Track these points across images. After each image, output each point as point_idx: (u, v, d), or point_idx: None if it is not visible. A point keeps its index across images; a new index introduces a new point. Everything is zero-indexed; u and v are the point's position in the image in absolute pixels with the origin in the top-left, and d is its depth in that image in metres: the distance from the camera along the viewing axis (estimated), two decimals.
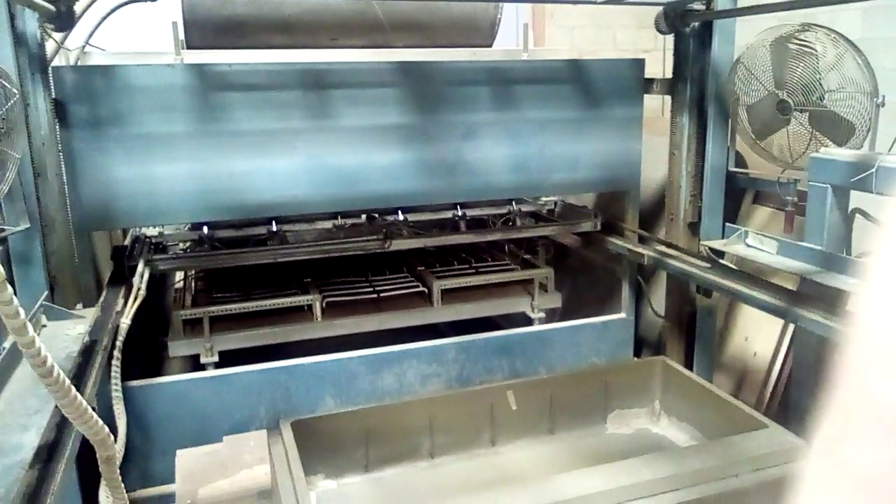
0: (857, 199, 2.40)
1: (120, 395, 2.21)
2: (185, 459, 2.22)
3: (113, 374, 2.20)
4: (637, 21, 5.45)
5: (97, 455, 1.22)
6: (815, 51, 2.49)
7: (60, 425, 1.45)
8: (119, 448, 1.92)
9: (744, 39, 2.79)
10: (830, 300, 2.32)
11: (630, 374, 2.23)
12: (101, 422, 1.14)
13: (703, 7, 2.73)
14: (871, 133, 2.42)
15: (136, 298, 2.40)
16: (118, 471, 1.28)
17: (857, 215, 2.42)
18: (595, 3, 2.47)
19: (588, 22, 5.48)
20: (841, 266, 2.29)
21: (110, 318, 2.31)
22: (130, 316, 2.33)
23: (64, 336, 1.97)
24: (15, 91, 1.91)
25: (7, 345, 1.67)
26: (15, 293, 2.01)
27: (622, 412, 2.18)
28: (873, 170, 2.13)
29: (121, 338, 2.25)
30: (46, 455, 1.34)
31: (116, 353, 2.24)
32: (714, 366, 3.16)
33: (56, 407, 1.50)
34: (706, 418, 2.04)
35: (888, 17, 4.38)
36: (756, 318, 3.26)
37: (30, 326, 1.09)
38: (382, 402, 2.36)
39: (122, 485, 1.36)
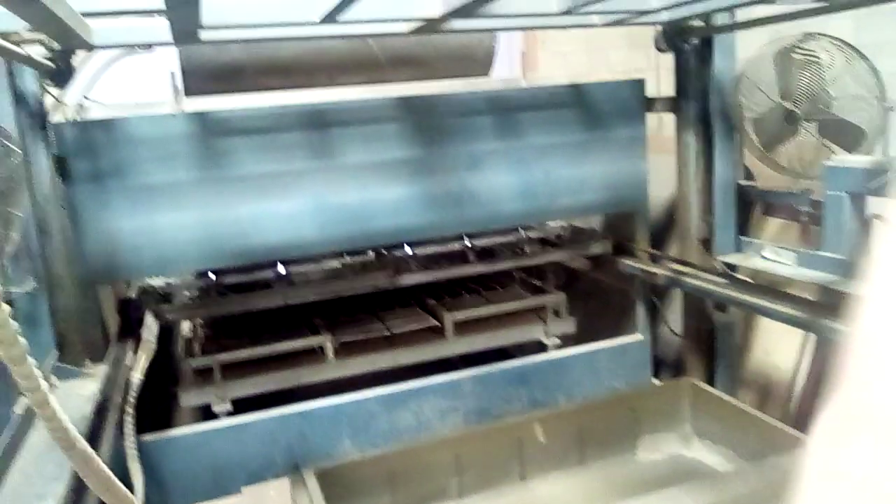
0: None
1: (135, 452, 2.15)
2: None
3: (127, 431, 2.15)
4: (629, 42, 5.46)
5: None
6: (820, 59, 2.47)
7: (78, 492, 1.40)
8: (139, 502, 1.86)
9: (744, 53, 2.78)
10: (853, 309, 2.26)
11: (658, 398, 2.17)
12: (123, 488, 1.09)
13: (702, 24, 2.72)
14: (882, 137, 2.40)
15: (147, 353, 2.35)
16: None
17: (876, 221, 2.38)
18: (594, 26, 2.45)
19: (580, 46, 5.49)
20: (862, 274, 2.24)
21: (120, 373, 2.26)
22: (142, 371, 2.28)
23: (76, 396, 1.92)
24: (17, 150, 1.88)
25: (18, 410, 1.62)
26: None
27: (653, 437, 2.12)
28: (890, 174, 2.10)
29: (133, 393, 2.20)
30: None
31: (130, 410, 2.19)
32: (737, 382, 3.10)
33: (73, 473, 1.45)
34: (740, 439, 1.98)
35: (880, 23, 4.38)
36: (775, 332, 3.21)
37: (46, 386, 1.04)
38: (406, 444, 2.29)
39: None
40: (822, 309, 2.33)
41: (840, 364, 0.37)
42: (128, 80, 3.48)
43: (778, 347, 3.19)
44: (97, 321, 2.53)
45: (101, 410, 1.94)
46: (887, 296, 0.38)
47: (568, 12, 2.04)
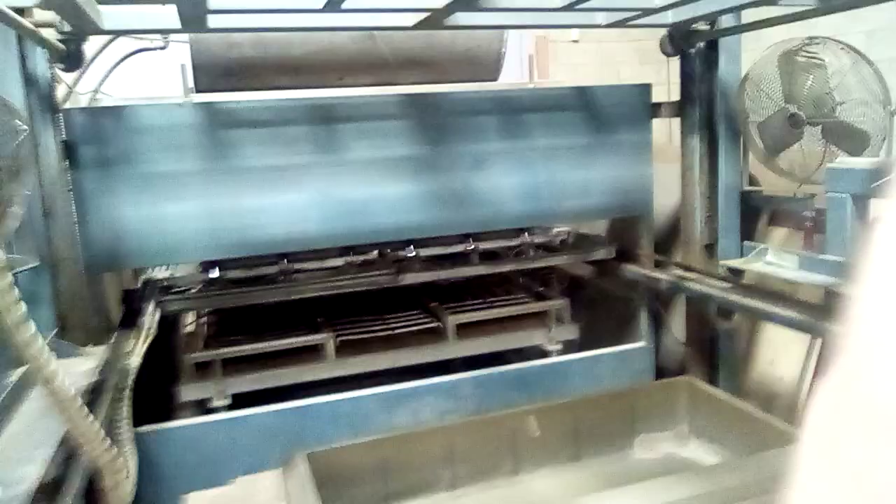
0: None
1: (131, 435, 2.15)
2: (197, 501, 2.15)
3: (122, 413, 2.14)
4: (640, 57, 5.49)
5: (105, 484, 1.16)
6: (824, 62, 2.47)
7: (65, 458, 1.40)
8: (130, 488, 1.85)
9: (750, 57, 2.79)
10: (847, 304, 2.24)
11: (655, 396, 2.15)
12: (108, 441, 1.09)
13: (708, 27, 2.73)
14: (886, 141, 2.39)
15: (146, 337, 2.36)
16: (126, 498, 1.22)
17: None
18: (599, 26, 2.47)
19: (592, 59, 5.53)
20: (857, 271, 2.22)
21: (119, 357, 2.27)
22: (141, 355, 2.29)
23: (72, 373, 1.92)
24: (25, 127, 1.91)
25: (14, 378, 1.63)
26: None
27: (649, 436, 2.09)
28: (892, 176, 2.08)
29: (131, 377, 2.21)
30: (51, 486, 1.28)
31: (127, 393, 2.19)
32: (740, 391, 3.07)
33: (60, 440, 1.45)
34: (738, 438, 1.96)
35: (893, 39, 4.39)
36: (780, 341, 3.18)
37: (46, 349, 1.05)
38: (400, 432, 2.29)
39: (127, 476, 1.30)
40: (825, 312, 2.31)
41: (833, 356, 0.37)
42: (140, 78, 3.54)
43: (782, 358, 3.16)
44: (99, 308, 2.54)
45: (96, 390, 1.94)
46: (881, 291, 0.37)
47: (569, 7, 2.05)
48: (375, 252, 3.26)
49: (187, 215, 2.59)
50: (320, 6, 1.86)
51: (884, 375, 0.34)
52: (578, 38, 5.62)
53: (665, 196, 3.33)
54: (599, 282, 3.58)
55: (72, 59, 2.14)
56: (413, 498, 1.84)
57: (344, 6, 1.88)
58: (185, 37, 2.98)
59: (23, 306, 1.11)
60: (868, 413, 0.34)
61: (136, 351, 2.30)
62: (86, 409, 1.03)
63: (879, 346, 0.35)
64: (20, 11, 1.79)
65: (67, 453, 1.42)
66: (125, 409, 2.15)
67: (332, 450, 1.85)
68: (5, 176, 1.85)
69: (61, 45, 2.06)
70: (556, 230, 3.63)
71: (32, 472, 1.29)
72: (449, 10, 2.03)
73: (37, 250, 2.16)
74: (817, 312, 2.31)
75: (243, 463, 2.67)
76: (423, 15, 2.14)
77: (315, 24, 2.22)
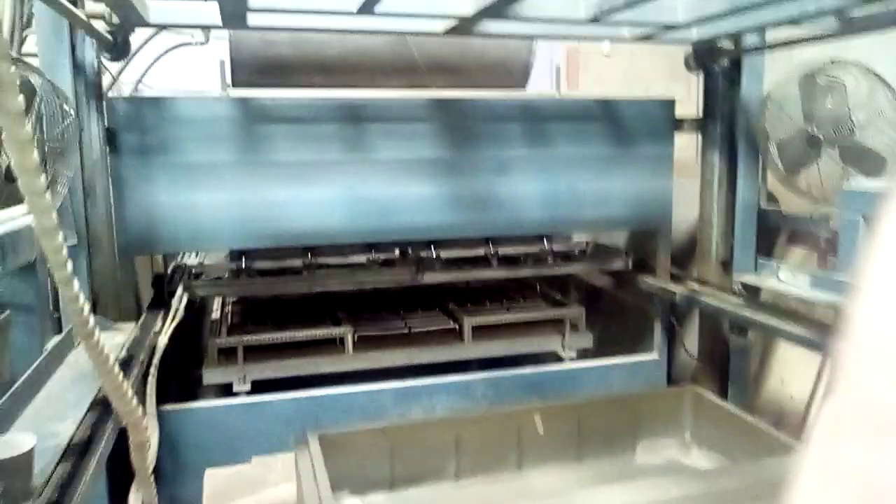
0: None
1: (153, 410, 2.25)
2: (213, 478, 2.25)
3: (148, 389, 2.25)
4: (670, 73, 5.52)
5: (130, 442, 1.26)
6: (845, 85, 2.52)
7: (96, 418, 1.50)
8: (151, 458, 1.95)
9: (774, 76, 2.83)
10: (850, 305, 2.28)
11: (660, 403, 2.20)
12: (135, 399, 1.18)
13: (731, 45, 2.79)
14: None
15: (173, 318, 2.47)
16: (148, 459, 1.32)
17: None
18: (624, 40, 2.54)
19: (621, 75, 5.58)
20: (859, 263, 2.26)
21: (148, 336, 2.37)
22: (168, 334, 2.40)
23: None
24: (71, 112, 2.03)
25: (49, 346, 1.74)
26: (58, 304, 2.08)
27: (652, 441, 2.15)
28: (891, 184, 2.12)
29: (157, 355, 2.31)
30: (82, 444, 1.38)
31: (152, 370, 2.29)
32: (751, 408, 3.10)
33: (92, 402, 1.55)
34: (741, 448, 2.00)
35: None
36: (791, 361, 3.21)
37: (88, 307, 1.15)
38: (409, 420, 2.37)
39: (152, 477, 1.39)
40: (836, 332, 2.35)
41: (838, 362, 0.37)
42: (179, 71, 3.67)
43: (794, 378, 3.19)
44: (131, 289, 2.66)
45: (124, 364, 2.05)
46: (884, 292, 0.37)
47: (596, 20, 2.13)
48: (397, 252, 3.35)
49: (219, 204, 2.70)
50: (354, 10, 1.95)
51: (883, 381, 0.34)
52: (609, 53, 5.67)
53: (690, 210, 3.38)
54: (616, 293, 3.63)
55: (118, 49, 2.26)
56: (418, 484, 1.90)
57: (377, 10, 1.97)
58: (225, 34, 3.10)
59: (70, 265, 1.19)
60: (867, 418, 0.34)
61: (163, 330, 2.41)
62: (118, 366, 1.11)
63: (879, 352, 0.35)
64: (74, 2, 1.91)
65: (97, 416, 1.52)
66: (151, 384, 2.26)
67: (343, 433, 1.92)
68: (52, 156, 1.97)
69: (109, 37, 2.18)
70: (575, 240, 3.69)
71: (65, 428, 1.38)
72: (478, 18, 2.12)
73: (76, 230, 2.27)
74: (828, 331, 2.35)
75: (260, 445, 2.76)
76: (453, 22, 2.22)
77: (349, 26, 2.31)
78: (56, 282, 1.01)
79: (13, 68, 0.81)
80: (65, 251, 0.92)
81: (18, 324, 1.63)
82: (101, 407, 1.50)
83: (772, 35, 2.66)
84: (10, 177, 1.86)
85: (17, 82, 0.82)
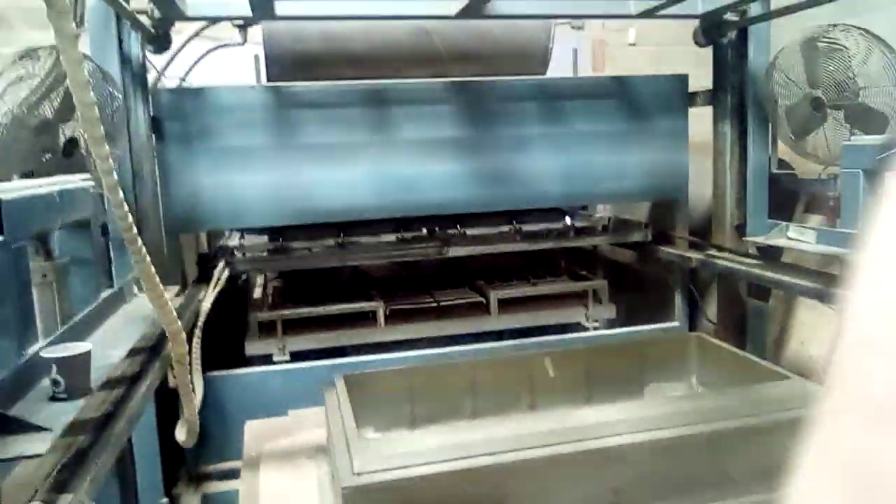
0: None
1: (199, 367, 2.47)
2: (254, 426, 2.45)
3: (194, 348, 2.47)
4: (696, 60, 5.59)
5: (172, 354, 1.45)
6: (846, 48, 2.61)
7: (145, 347, 1.71)
8: (196, 404, 2.16)
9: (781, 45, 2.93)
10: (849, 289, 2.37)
11: (666, 348, 2.32)
12: (174, 313, 1.38)
13: (737, 17, 2.90)
14: None
15: (215, 286, 2.69)
16: (188, 373, 1.51)
17: None
18: (631, 16, 2.68)
19: (648, 63, 5.67)
20: (859, 244, 2.34)
21: (193, 303, 2.60)
22: (210, 300, 2.61)
23: None
24: (119, 97, 2.27)
25: (104, 294, 1.96)
26: (112, 273, 2.32)
27: (658, 385, 2.27)
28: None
29: (202, 317, 2.53)
30: (133, 377, 1.59)
31: (197, 332, 2.51)
32: None
33: (141, 336, 1.77)
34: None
35: None
36: (810, 323, 3.28)
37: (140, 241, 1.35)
38: (427, 364, 2.54)
39: (193, 391, 1.59)
40: (840, 282, 2.45)
41: (837, 345, 0.37)
42: (219, 71, 3.92)
43: (813, 338, 3.26)
44: (178, 265, 2.89)
45: None
46: (880, 280, 0.36)
47: None
48: (424, 230, 3.52)
49: (255, 185, 2.92)
50: None
51: (879, 369, 0.34)
52: (636, 41, 5.78)
53: (709, 187, 3.47)
54: (638, 266, 3.74)
55: (160, 42, 2.50)
56: (437, 423, 2.07)
57: None
58: (259, 35, 3.33)
59: (135, 228, 1.38)
60: (864, 405, 0.34)
61: (206, 297, 2.63)
62: (161, 284, 1.32)
63: (875, 339, 0.35)
64: None
65: (147, 346, 1.74)
66: (196, 344, 2.48)
67: (367, 374, 2.10)
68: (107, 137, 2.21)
69: (152, 30, 2.42)
70: (597, 215, 3.81)
71: (117, 353, 1.60)
72: None
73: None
74: (832, 281, 2.45)
75: (297, 407, 2.97)
76: (463, 2, 2.40)
77: (367, 12, 2.50)
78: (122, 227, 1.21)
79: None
80: (125, 207, 1.11)
81: (76, 274, 1.86)
82: (149, 342, 1.71)
83: (776, 2, 2.77)
84: (67, 151, 2.10)
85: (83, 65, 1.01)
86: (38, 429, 1.17)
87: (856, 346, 0.37)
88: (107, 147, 1.02)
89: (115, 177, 1.14)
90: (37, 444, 1.12)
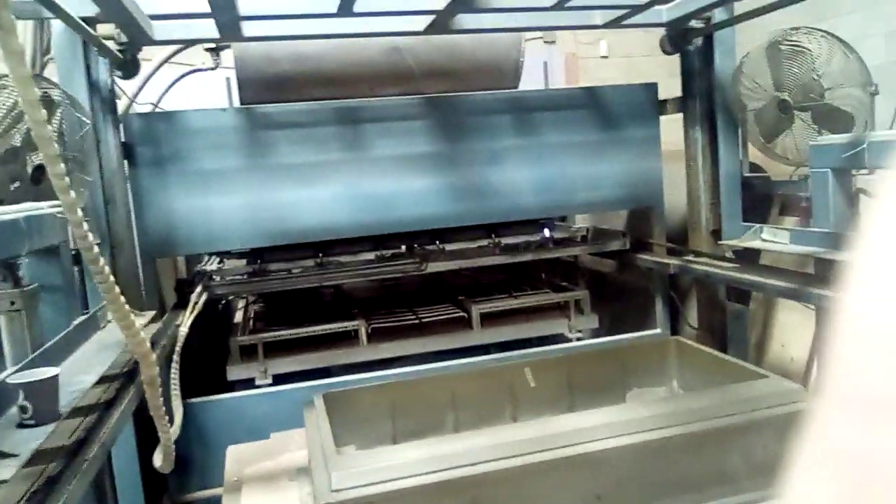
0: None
1: (178, 392, 2.43)
2: (236, 450, 2.43)
3: (172, 374, 2.44)
4: (668, 71, 5.66)
5: (142, 377, 1.43)
6: (809, 50, 2.65)
7: (117, 374, 1.69)
8: (175, 429, 2.14)
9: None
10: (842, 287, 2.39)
11: (646, 352, 2.32)
12: (143, 335, 1.36)
13: (702, 24, 2.94)
14: (868, 121, 2.54)
15: (193, 311, 2.67)
16: (159, 394, 1.49)
17: (862, 196, 2.50)
18: (597, 27, 2.71)
19: (621, 74, 5.74)
20: (850, 243, 2.36)
21: (171, 328, 2.57)
22: (188, 325, 2.59)
23: None
24: (88, 122, 2.25)
25: (77, 321, 1.94)
26: (86, 301, 2.29)
27: (640, 390, 2.27)
28: (864, 146, 2.25)
29: (179, 343, 2.51)
30: (107, 403, 1.56)
31: (175, 357, 2.49)
32: None
33: (112, 363, 1.74)
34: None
35: None
36: (791, 325, 3.30)
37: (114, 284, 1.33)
38: (407, 378, 2.52)
39: (164, 412, 1.57)
40: (815, 280, 2.46)
41: (831, 343, 0.37)
42: (192, 97, 3.92)
43: (793, 341, 3.28)
44: (154, 290, 2.87)
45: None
46: (874, 274, 0.36)
47: (561, 5, 2.30)
48: (403, 248, 3.52)
49: (230, 207, 2.91)
50: (335, 10, 2.15)
51: (874, 362, 0.34)
52: (608, 54, 5.84)
53: (682, 193, 3.50)
54: (619, 276, 3.75)
55: (129, 67, 2.50)
56: (420, 438, 2.05)
57: (356, 9, 2.17)
58: (231, 59, 3.34)
59: (96, 247, 1.36)
60: (858, 398, 0.35)
61: (184, 322, 2.60)
62: (122, 299, 1.30)
63: (869, 334, 0.35)
64: (88, 23, 2.14)
65: (120, 372, 1.71)
66: (175, 369, 2.45)
67: (347, 392, 2.09)
68: (72, 163, 2.19)
69: (119, 55, 2.41)
70: (575, 227, 3.83)
71: (89, 379, 1.57)
72: (450, 11, 2.31)
73: (98, 233, 2.49)
74: (806, 280, 2.47)
75: (281, 429, 2.95)
76: (430, 18, 2.42)
77: (334, 30, 2.51)
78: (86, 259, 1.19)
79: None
80: (89, 234, 1.10)
81: (46, 301, 1.84)
82: (124, 367, 1.69)
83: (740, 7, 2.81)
84: (35, 179, 2.09)
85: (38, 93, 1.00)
86: (3, 455, 1.15)
87: (848, 342, 0.37)
88: (62, 165, 1.01)
89: (73, 195, 1.12)
90: (2, 471, 1.10)
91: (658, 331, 3.43)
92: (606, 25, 2.72)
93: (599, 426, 1.66)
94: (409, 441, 2.11)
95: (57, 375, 1.29)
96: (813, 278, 2.49)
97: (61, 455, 1.28)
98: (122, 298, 1.27)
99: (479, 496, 1.51)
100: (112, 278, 1.22)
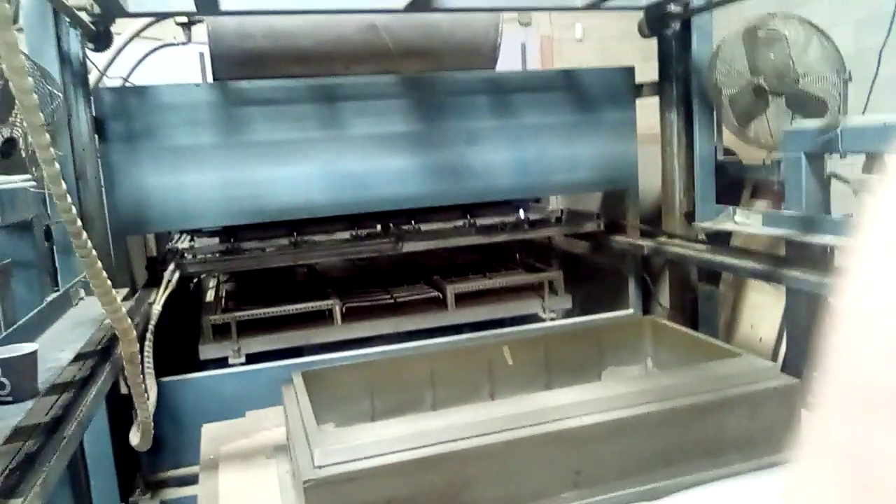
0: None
1: (152, 371, 2.41)
2: (211, 429, 2.41)
3: (146, 352, 2.41)
4: (643, 54, 5.69)
5: (122, 353, 1.42)
6: (786, 36, 2.68)
7: (92, 351, 1.66)
8: (150, 406, 2.11)
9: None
10: (814, 260, 2.45)
11: (621, 332, 2.35)
12: (124, 311, 1.34)
13: (681, 9, 2.96)
14: (841, 107, 2.58)
15: (166, 289, 2.63)
16: (140, 373, 1.47)
17: (833, 179, 2.56)
18: (577, 9, 2.71)
19: (596, 57, 5.75)
20: (820, 226, 2.42)
21: (143, 306, 2.54)
22: (161, 303, 2.56)
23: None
24: (59, 95, 2.20)
25: (50, 298, 1.90)
26: (57, 279, 2.25)
27: (616, 369, 2.30)
28: (837, 131, 2.29)
29: (153, 321, 2.47)
30: (82, 380, 1.54)
31: (149, 335, 2.45)
32: None
33: (87, 341, 1.72)
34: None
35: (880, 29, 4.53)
36: (760, 306, 3.37)
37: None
38: (385, 356, 2.53)
39: (145, 390, 1.55)
40: (786, 261, 2.51)
41: (828, 336, 0.36)
42: (163, 71, 3.85)
43: (763, 321, 3.34)
44: (125, 269, 2.82)
45: None
46: (876, 270, 0.35)
47: None
48: (379, 227, 3.50)
49: (204, 185, 2.87)
50: None
51: (874, 360, 0.34)
52: (582, 38, 5.85)
53: (657, 176, 3.53)
54: (593, 257, 3.79)
55: (101, 39, 2.44)
56: (398, 416, 2.05)
57: None
58: (204, 34, 3.28)
59: (79, 221, 1.33)
60: (858, 396, 0.34)
61: (157, 300, 2.57)
62: (109, 280, 1.28)
63: (869, 331, 0.35)
64: None
65: (93, 348, 1.69)
66: (148, 348, 2.42)
67: (325, 370, 2.08)
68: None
69: (92, 27, 2.35)
70: (550, 208, 3.85)
71: (65, 356, 1.55)
72: None
73: None
74: (778, 262, 2.52)
75: (255, 408, 2.93)
76: None
77: (313, 6, 2.47)
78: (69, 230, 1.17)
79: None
80: (71, 205, 1.08)
81: (19, 278, 1.80)
82: (98, 344, 1.66)
83: None
84: (5, 152, 2.03)
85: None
86: None
87: (852, 340, 0.36)
88: (47, 136, 0.99)
89: (57, 167, 1.10)
90: None
91: (631, 311, 3.47)
92: (586, 7, 2.72)
93: (577, 403, 1.68)
94: (387, 418, 2.12)
95: (35, 352, 1.27)
96: (783, 260, 2.54)
97: (38, 432, 1.26)
98: (104, 273, 1.25)
99: (462, 470, 1.52)
100: (94, 252, 1.20)
